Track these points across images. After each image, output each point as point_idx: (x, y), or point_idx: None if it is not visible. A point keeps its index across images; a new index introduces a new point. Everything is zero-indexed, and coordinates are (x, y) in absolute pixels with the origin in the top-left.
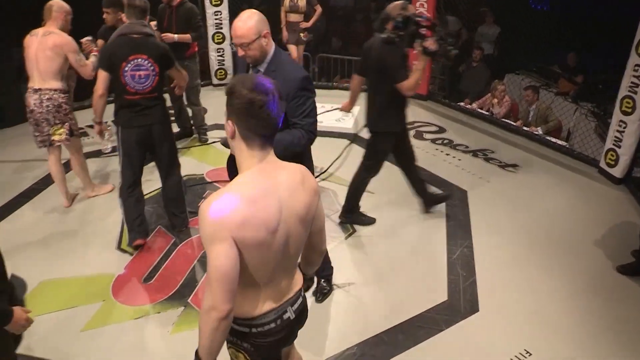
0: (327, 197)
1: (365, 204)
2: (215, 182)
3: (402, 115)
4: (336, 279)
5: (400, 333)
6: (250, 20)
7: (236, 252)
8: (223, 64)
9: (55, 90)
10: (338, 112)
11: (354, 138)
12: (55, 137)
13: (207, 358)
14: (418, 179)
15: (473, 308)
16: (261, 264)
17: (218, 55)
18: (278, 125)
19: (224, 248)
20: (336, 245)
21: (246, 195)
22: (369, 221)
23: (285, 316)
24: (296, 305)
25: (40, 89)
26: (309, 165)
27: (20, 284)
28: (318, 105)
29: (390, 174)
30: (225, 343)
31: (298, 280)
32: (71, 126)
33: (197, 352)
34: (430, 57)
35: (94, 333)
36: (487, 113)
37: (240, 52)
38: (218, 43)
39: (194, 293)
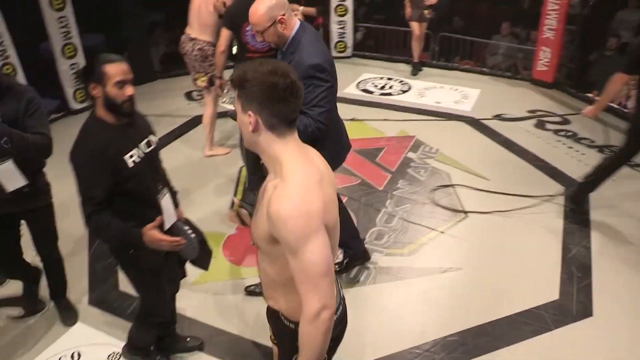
0: (440, 179)
1: (480, 191)
2: None
3: None
4: (443, 263)
5: (505, 326)
6: (262, 7)
7: (328, 237)
8: (344, 37)
9: (207, 42)
10: (456, 94)
11: None
12: (198, 82)
13: None
14: (603, 180)
15: (586, 312)
16: (334, 246)
17: (339, 28)
18: (302, 104)
19: (321, 238)
20: (446, 229)
21: (311, 179)
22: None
23: (341, 293)
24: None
25: (195, 39)
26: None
27: (191, 246)
28: (437, 85)
29: (507, 161)
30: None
31: None
32: (212, 77)
33: None
34: None
35: (202, 288)
36: (617, 107)
37: (259, 38)
38: (340, 15)
39: None
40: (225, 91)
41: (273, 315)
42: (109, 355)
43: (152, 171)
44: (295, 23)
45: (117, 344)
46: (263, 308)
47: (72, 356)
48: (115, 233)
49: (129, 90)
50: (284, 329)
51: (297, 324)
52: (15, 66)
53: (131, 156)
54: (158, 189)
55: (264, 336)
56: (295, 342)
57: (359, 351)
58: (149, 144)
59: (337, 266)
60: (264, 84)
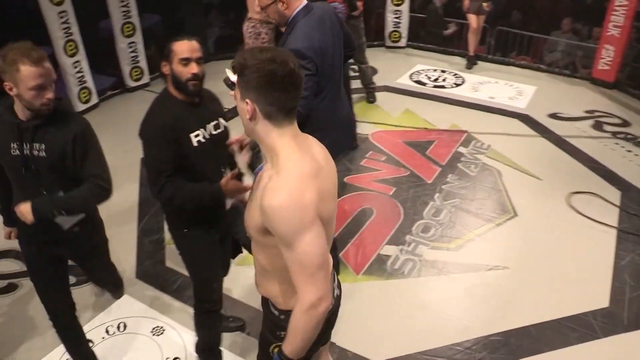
0: (490, 175)
1: (532, 191)
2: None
3: None
4: (489, 260)
5: (550, 330)
6: None
7: (323, 229)
8: (399, 27)
9: (258, 20)
10: (511, 90)
11: None
12: None
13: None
14: None
15: (638, 322)
16: (330, 236)
17: (394, 17)
18: (301, 93)
19: (316, 230)
20: (493, 227)
21: (306, 171)
22: None
23: (337, 281)
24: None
25: (250, 18)
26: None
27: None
28: (491, 80)
29: (561, 161)
30: (266, 343)
31: None
32: None
33: (282, 352)
34: None
35: (247, 269)
36: None
37: (264, 13)
38: (397, 5)
39: (345, 249)
40: None
41: (264, 302)
42: (153, 329)
43: (217, 154)
44: (300, 4)
45: (161, 319)
46: None
47: (118, 327)
48: (191, 194)
49: (194, 68)
50: (271, 316)
51: (281, 311)
52: (78, 43)
53: (196, 135)
54: (221, 171)
55: None
56: (277, 331)
57: (400, 343)
58: (217, 127)
59: None
60: (262, 71)
